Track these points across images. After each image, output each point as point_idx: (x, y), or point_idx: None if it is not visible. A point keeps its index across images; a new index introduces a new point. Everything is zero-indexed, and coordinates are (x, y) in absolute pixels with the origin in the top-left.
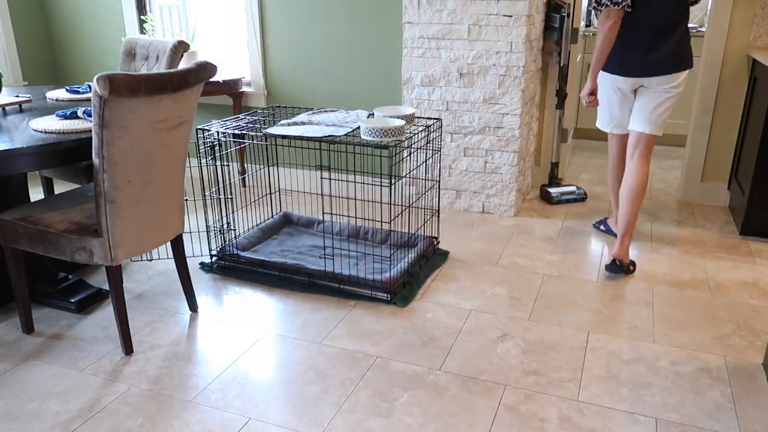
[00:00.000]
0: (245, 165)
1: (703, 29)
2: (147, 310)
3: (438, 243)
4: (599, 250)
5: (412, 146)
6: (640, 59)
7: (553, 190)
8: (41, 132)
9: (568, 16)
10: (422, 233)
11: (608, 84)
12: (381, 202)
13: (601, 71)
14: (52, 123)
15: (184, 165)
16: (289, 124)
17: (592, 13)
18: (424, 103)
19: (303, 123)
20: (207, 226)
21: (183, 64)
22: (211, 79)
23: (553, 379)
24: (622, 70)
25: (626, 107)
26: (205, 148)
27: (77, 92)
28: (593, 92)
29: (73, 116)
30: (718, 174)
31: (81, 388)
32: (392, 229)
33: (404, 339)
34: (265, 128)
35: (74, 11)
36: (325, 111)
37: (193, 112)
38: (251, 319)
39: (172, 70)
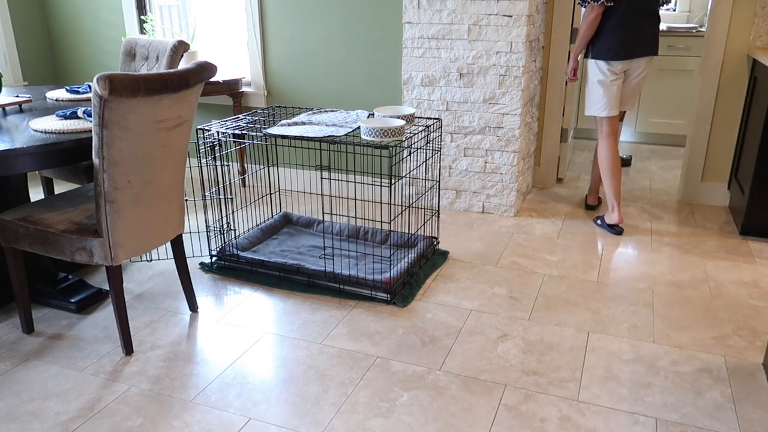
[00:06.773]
0: (245, 165)
1: (703, 29)
2: (147, 310)
3: (438, 243)
4: (599, 250)
5: (412, 146)
6: (631, 44)
7: None
8: (41, 132)
9: None
10: (422, 233)
11: (607, 71)
12: (381, 202)
13: (598, 61)
14: (52, 123)
15: (184, 165)
16: (289, 124)
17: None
18: (424, 103)
19: (303, 123)
20: (207, 227)
21: (183, 64)
22: (211, 79)
23: (553, 379)
24: (619, 54)
25: (619, 90)
26: (205, 148)
27: (77, 92)
28: (575, 70)
29: (73, 116)
30: (718, 174)
31: (81, 388)
32: (392, 229)
33: (404, 339)
34: (265, 128)
35: (74, 11)
36: (325, 111)
37: (193, 112)
38: (251, 319)
39: (172, 70)
